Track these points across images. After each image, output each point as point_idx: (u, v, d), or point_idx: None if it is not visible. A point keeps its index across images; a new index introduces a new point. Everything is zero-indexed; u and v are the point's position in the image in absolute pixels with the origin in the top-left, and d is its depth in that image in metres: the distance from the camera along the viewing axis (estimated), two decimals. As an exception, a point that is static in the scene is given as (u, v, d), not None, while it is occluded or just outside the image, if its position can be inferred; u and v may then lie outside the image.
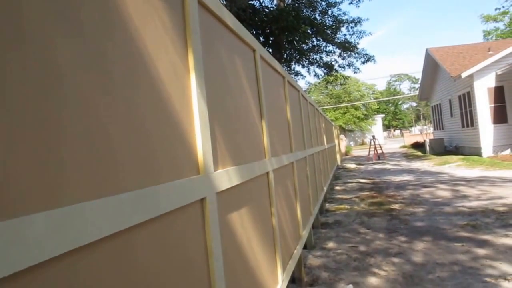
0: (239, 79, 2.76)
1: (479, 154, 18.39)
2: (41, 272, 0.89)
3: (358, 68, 19.56)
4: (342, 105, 50.86)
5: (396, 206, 8.48)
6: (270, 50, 15.71)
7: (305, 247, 5.39)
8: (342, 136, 31.78)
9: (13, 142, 0.86)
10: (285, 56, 17.18)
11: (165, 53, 1.64)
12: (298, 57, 18.06)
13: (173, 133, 1.64)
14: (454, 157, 19.03)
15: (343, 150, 30.93)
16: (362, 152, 35.03)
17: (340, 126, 46.68)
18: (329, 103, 51.74)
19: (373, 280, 4.35)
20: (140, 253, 1.29)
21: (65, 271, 0.96)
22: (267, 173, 3.18)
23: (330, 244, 5.85)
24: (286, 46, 16.97)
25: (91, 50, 1.16)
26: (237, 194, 2.34)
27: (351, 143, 51.29)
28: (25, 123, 0.90)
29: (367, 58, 18.91)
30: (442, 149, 24.09)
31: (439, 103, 25.84)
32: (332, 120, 32.52)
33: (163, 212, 1.43)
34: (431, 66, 25.57)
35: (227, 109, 2.38)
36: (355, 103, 51.46)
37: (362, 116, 51.61)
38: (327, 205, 9.18)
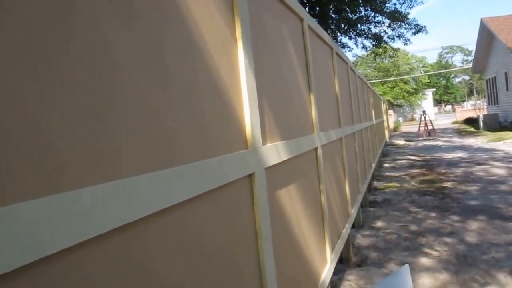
0: (287, 49, 2.63)
1: (538, 130, 17.47)
2: (92, 249, 0.83)
3: (409, 40, 18.76)
4: (390, 78, 49.38)
5: (448, 184, 8.17)
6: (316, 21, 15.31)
7: (353, 226, 5.26)
8: (390, 111, 31.02)
9: (67, 117, 0.79)
10: (331, 27, 16.73)
11: (211, 21, 1.54)
12: (345, 28, 17.54)
13: (221, 105, 1.55)
14: (510, 133, 18.16)
15: (391, 126, 30.22)
16: (412, 128, 34.11)
17: (388, 100, 45.50)
18: (377, 76, 50.36)
19: (424, 260, 4.19)
20: (189, 230, 1.21)
21: (117, 247, 0.90)
22: (316, 148, 3.06)
23: (379, 223, 5.69)
24: (333, 16, 16.49)
25: (140, 24, 1.07)
26: (285, 170, 2.24)
27: (400, 118, 49.96)
28: (77, 94, 0.82)
29: (418, 29, 18.11)
30: (497, 125, 23.05)
31: (494, 76, 24.65)
32: (380, 94, 31.70)
33: (212, 188, 1.35)
34: (486, 37, 24.34)
35: (275, 81, 2.27)
36: (404, 76, 49.86)
37: (412, 90, 49.97)
38: (376, 183, 8.96)
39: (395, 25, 18.20)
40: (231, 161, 1.54)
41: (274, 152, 2.02)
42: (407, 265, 2.45)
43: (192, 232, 1.25)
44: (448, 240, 4.79)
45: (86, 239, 0.81)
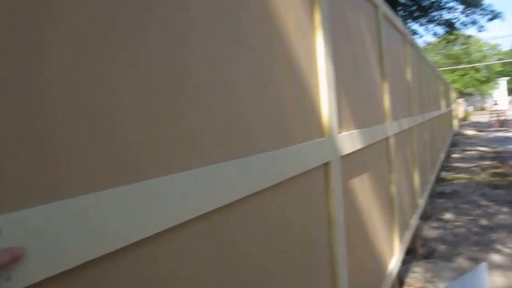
0: (362, 36, 2.59)
1: None
2: (179, 233, 0.87)
3: (483, 26, 17.76)
4: (461, 66, 47.08)
5: (523, 178, 7.74)
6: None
7: (420, 218, 5.13)
8: (460, 101, 29.66)
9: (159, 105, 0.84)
10: (402, 14, 16.13)
11: (292, 8, 1.55)
12: (416, 14, 16.88)
13: (300, 92, 1.56)
14: None
15: (460, 115, 28.94)
16: (482, 118, 32.48)
17: (458, 89, 43.46)
18: (446, 64, 48.19)
19: (496, 257, 4.02)
20: (266, 217, 1.25)
21: (203, 231, 0.94)
22: (388, 137, 3.01)
23: (448, 216, 5.51)
24: (404, 2, 15.89)
25: (222, 6, 1.11)
26: (359, 159, 2.23)
27: (470, 108, 47.66)
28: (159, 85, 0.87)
29: (494, 15, 17.11)
30: None
31: None
32: (449, 82, 30.32)
33: (290, 176, 1.37)
34: None
35: (351, 68, 2.25)
36: (476, 64, 47.37)
37: (483, 79, 47.44)
38: (444, 174, 8.65)
39: (468, 11, 17.29)
40: (309, 149, 1.55)
41: (349, 141, 2.01)
42: (484, 264, 2.35)
43: (271, 219, 1.28)
44: (522, 237, 4.56)
45: (178, 223, 0.85)
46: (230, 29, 1.12)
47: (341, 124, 1.97)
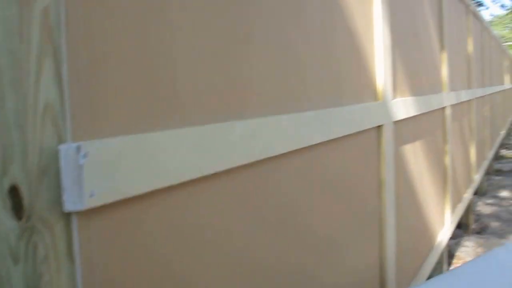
0: (421, 4, 2.54)
1: None
2: (235, 175, 0.94)
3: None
4: (529, 41, 44.31)
5: None
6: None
7: (475, 193, 5.01)
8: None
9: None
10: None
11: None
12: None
13: (355, 55, 1.58)
14: None
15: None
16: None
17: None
18: (513, 39, 45.47)
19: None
20: (318, 171, 1.30)
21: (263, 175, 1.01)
22: (444, 108, 2.96)
23: (504, 193, 5.34)
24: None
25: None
26: (412, 126, 2.22)
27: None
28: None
29: None
30: None
31: None
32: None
33: (344, 134, 1.41)
34: None
35: (408, 35, 2.23)
36: (547, 39, 44.40)
37: (554, 55, 44.47)
38: (504, 151, 8.33)
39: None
40: (363, 111, 1.58)
41: (403, 107, 2.02)
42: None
43: (324, 172, 1.33)
44: None
45: (240, 165, 0.91)
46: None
47: (396, 90, 1.97)
